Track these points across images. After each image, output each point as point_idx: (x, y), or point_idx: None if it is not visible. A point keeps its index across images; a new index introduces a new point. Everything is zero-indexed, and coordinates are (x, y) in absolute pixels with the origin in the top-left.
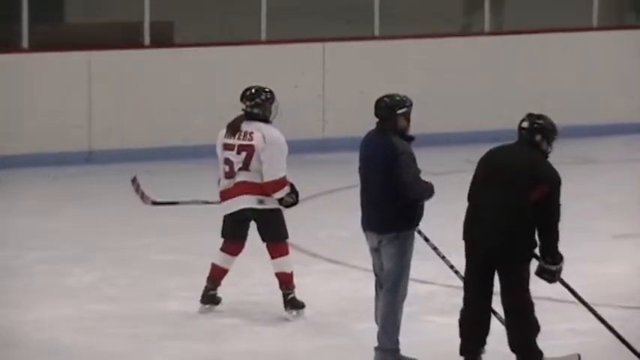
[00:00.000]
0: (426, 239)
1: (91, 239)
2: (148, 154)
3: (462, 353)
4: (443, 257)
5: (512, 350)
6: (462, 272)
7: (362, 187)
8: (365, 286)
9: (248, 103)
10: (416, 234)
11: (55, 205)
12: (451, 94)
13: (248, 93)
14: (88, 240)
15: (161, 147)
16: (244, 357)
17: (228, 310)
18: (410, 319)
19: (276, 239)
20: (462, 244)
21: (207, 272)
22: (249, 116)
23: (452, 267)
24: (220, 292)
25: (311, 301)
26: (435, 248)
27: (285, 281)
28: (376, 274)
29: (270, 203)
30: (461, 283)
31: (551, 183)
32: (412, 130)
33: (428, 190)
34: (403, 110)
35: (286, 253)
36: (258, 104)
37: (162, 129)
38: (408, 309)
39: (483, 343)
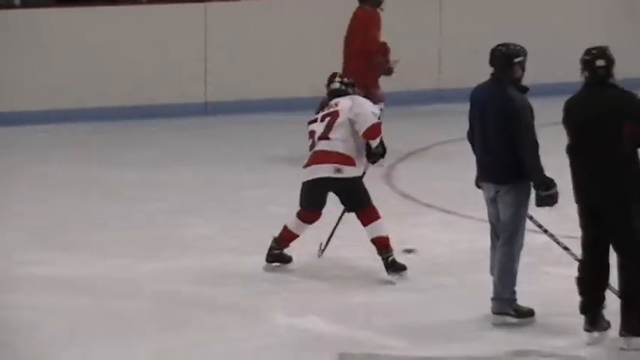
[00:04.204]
0: (540, 226)
1: (208, 191)
2: (262, 106)
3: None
4: (559, 242)
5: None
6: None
7: (477, 138)
8: (480, 237)
9: (331, 87)
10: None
11: (171, 156)
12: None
13: (329, 79)
14: (204, 192)
15: (277, 99)
16: (360, 308)
17: (342, 264)
18: (527, 270)
19: (361, 206)
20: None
21: (322, 225)
22: (336, 93)
23: (566, 248)
24: (343, 247)
25: (425, 252)
26: (549, 233)
27: (383, 245)
28: (492, 224)
29: (348, 172)
30: (578, 234)
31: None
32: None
33: (538, 171)
34: (520, 59)
35: (377, 217)
36: (345, 84)
37: (277, 80)
38: (524, 259)
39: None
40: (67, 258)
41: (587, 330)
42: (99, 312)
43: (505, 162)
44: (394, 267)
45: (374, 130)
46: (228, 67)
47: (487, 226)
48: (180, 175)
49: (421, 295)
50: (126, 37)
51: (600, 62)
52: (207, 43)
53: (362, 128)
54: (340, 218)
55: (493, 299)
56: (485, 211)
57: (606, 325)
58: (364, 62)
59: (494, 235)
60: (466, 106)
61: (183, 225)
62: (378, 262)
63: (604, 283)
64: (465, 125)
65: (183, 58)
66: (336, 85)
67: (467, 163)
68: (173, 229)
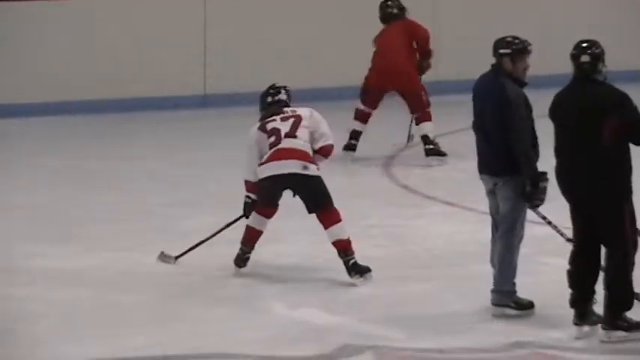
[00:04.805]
0: (543, 217)
1: (207, 183)
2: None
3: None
4: (562, 233)
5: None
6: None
7: (477, 129)
8: (481, 229)
9: (277, 97)
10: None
11: (170, 148)
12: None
13: (272, 90)
14: (203, 184)
15: None
16: (366, 298)
17: (338, 257)
18: (526, 261)
19: (323, 206)
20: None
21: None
22: (283, 104)
23: (569, 240)
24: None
25: (426, 244)
26: (553, 225)
27: (343, 248)
28: (492, 216)
29: (313, 170)
30: None
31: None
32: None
33: (528, 162)
34: (505, 51)
35: (338, 220)
36: (287, 96)
37: (276, 72)
38: (524, 250)
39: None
40: (66, 250)
41: (577, 324)
42: (97, 304)
43: (503, 154)
44: (356, 269)
45: (329, 150)
46: (227, 59)
47: (488, 218)
48: (180, 168)
49: (421, 286)
50: (125, 29)
51: (585, 58)
52: (206, 35)
53: (323, 142)
54: (228, 225)
55: (493, 291)
56: (486, 203)
57: (596, 319)
58: (417, 67)
59: (495, 227)
60: (465, 98)
61: (181, 217)
62: (373, 255)
63: (594, 276)
64: (464, 116)
65: (182, 50)
66: (284, 96)
67: (467, 154)
68: (172, 222)
